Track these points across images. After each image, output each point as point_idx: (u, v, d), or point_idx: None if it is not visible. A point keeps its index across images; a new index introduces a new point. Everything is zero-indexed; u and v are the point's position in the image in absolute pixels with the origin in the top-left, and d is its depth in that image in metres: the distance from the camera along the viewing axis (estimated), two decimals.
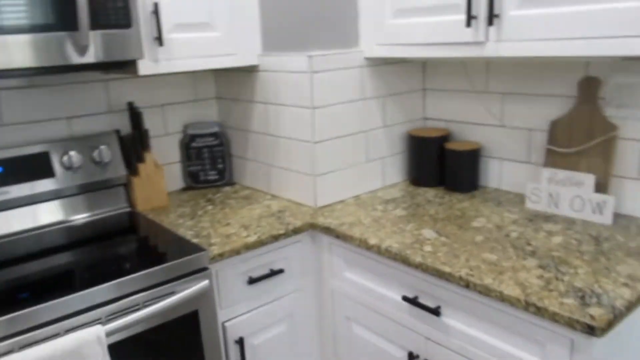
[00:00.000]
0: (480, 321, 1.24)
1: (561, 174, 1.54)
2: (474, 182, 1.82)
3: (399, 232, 1.49)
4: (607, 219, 1.46)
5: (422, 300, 1.37)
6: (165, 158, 2.00)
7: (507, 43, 1.37)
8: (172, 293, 1.34)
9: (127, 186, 1.80)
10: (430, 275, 1.31)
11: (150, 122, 1.94)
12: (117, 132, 1.81)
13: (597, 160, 1.51)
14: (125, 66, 1.59)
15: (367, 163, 1.86)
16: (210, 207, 1.80)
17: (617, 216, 1.50)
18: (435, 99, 1.97)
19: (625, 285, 1.13)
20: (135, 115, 1.82)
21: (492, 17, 1.36)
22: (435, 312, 1.31)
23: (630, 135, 1.47)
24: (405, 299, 1.39)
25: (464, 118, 1.89)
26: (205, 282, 1.38)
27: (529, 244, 1.36)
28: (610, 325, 1.01)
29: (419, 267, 1.31)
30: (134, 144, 1.80)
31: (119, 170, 1.78)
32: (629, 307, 1.06)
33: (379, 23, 1.68)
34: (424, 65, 1.96)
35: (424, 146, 1.87)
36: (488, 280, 1.18)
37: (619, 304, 1.06)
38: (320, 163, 1.72)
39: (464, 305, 1.27)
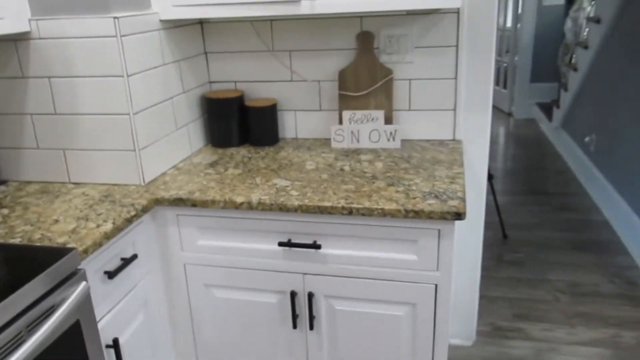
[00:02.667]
0: (358, 241, 1.45)
1: (359, 113, 1.84)
2: (276, 135, 1.97)
3: (254, 186, 1.54)
4: (398, 144, 1.84)
5: (297, 240, 1.49)
6: None
7: (319, 1, 1.55)
8: (53, 307, 1.10)
9: None
10: (309, 214, 1.44)
11: None
12: None
13: (382, 99, 1.87)
14: None
15: (177, 131, 1.79)
16: (6, 211, 1.46)
17: (402, 141, 1.91)
18: (218, 62, 2.01)
19: (451, 182, 1.50)
20: None
21: None
22: (316, 246, 1.46)
23: (401, 76, 1.87)
24: (281, 244, 1.48)
25: (253, 77, 2.00)
26: (84, 285, 1.17)
27: (364, 172, 1.62)
28: (465, 209, 1.35)
29: (298, 209, 1.42)
30: None
31: None
32: (452, 197, 1.43)
33: None
34: (202, 28, 1.97)
35: (224, 108, 1.91)
36: (367, 204, 1.39)
37: (460, 194, 1.42)
38: (141, 136, 1.59)
39: (340, 233, 1.45)
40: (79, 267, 1.21)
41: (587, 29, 4.33)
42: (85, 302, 1.20)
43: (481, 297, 2.54)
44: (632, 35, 3.22)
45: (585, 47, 4.08)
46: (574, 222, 3.35)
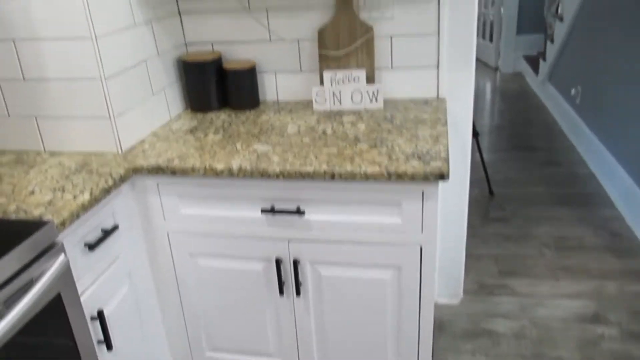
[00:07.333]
0: (342, 206, 1.43)
1: (340, 73, 1.79)
2: (256, 98, 1.92)
3: (234, 152, 1.51)
4: (380, 104, 1.80)
5: (280, 207, 1.47)
6: None
7: None
8: (32, 282, 1.08)
9: None
10: (291, 180, 1.41)
11: None
12: None
13: (363, 57, 1.81)
14: None
15: (154, 96, 1.74)
16: None
17: (385, 100, 1.87)
18: (193, 22, 1.93)
19: (435, 142, 1.48)
20: None
21: None
22: (299, 212, 1.44)
23: (383, 32, 1.81)
24: (264, 210, 1.45)
25: (230, 38, 1.93)
26: (62, 258, 1.15)
27: (347, 134, 1.59)
28: (448, 170, 1.33)
29: (279, 175, 1.39)
30: None
31: None
32: (435, 157, 1.40)
33: None
34: None
35: (201, 71, 1.85)
36: (349, 167, 1.36)
37: (443, 155, 1.39)
38: (115, 102, 1.54)
39: (323, 198, 1.43)
40: (57, 239, 1.18)
41: None
42: (66, 275, 1.18)
43: (467, 255, 2.56)
44: None
45: None
46: (559, 176, 3.36)
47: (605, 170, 3.18)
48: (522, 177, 3.38)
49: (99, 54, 1.46)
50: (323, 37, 1.82)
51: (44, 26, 1.45)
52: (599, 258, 2.50)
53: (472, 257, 2.55)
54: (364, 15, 1.80)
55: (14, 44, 1.49)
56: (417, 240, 1.42)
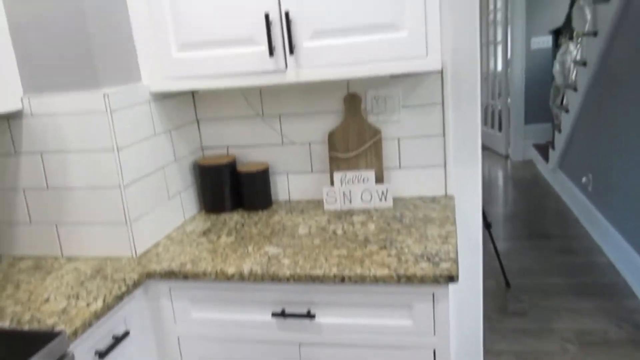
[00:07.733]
0: (353, 308, 1.43)
1: (349, 174, 1.85)
2: (269, 199, 1.98)
3: (245, 255, 1.54)
4: (389, 203, 1.84)
5: (291, 310, 1.47)
6: None
7: (304, 70, 1.58)
8: None
9: None
10: (301, 283, 1.42)
11: None
12: None
13: (372, 158, 1.88)
14: None
15: (169, 200, 1.80)
16: None
17: (394, 199, 1.91)
18: (210, 128, 2.04)
19: (443, 242, 1.49)
20: None
21: (292, 48, 1.55)
22: (310, 315, 1.43)
23: (391, 135, 1.89)
24: (275, 314, 1.45)
25: (244, 142, 2.02)
26: None
27: (357, 235, 1.61)
28: (457, 272, 1.34)
29: (290, 279, 1.40)
30: None
31: None
32: (444, 258, 1.41)
33: (164, 56, 1.66)
34: (193, 97, 2.01)
35: (216, 174, 1.92)
36: (359, 270, 1.37)
37: (452, 255, 1.41)
38: (132, 208, 1.59)
39: (333, 301, 1.43)
40: (68, 350, 1.19)
41: (575, 72, 4.41)
42: None
43: (485, 351, 2.48)
44: (617, 77, 3.28)
45: (575, 89, 4.14)
46: (576, 265, 3.31)
47: (624, 259, 3.13)
48: (538, 266, 3.33)
49: (120, 164, 1.54)
50: (333, 140, 1.90)
51: (71, 140, 1.54)
52: (625, 354, 2.40)
53: (491, 353, 2.47)
54: (371, 119, 1.88)
55: (41, 157, 1.58)
56: (429, 343, 1.40)
